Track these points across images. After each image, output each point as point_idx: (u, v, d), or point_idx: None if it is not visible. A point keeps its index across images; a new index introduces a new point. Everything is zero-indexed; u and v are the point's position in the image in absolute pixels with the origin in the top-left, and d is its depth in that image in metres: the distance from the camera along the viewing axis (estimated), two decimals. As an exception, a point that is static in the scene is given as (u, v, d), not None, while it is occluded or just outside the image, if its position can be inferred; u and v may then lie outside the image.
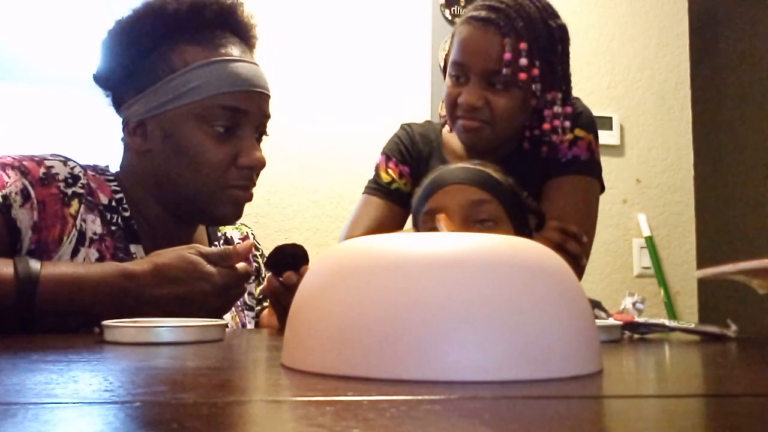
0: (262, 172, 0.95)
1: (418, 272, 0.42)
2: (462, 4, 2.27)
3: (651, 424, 0.31)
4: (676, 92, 2.36)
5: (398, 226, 1.26)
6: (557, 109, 1.13)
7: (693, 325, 0.79)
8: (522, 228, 1.00)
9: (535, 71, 1.07)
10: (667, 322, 0.80)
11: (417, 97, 2.23)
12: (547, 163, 1.17)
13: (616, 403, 0.37)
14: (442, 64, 1.23)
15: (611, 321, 0.79)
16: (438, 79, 2.24)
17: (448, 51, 1.16)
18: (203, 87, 0.87)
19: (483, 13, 1.08)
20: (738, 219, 2.17)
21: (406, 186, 1.25)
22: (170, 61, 0.89)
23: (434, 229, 0.95)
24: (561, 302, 0.43)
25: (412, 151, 1.27)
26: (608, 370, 0.47)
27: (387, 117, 2.22)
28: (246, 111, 0.90)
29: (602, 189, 1.22)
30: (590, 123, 1.19)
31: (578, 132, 1.17)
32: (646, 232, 2.29)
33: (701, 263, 2.24)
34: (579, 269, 1.07)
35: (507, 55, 1.05)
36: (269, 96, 0.94)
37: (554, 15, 1.12)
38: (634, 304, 0.83)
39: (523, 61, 1.06)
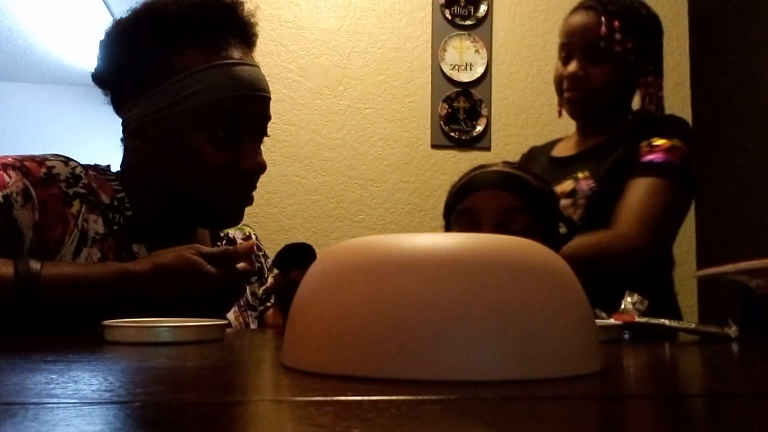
0: (262, 173, 0.94)
1: (418, 272, 0.42)
2: (462, 4, 2.27)
3: (651, 424, 0.31)
4: (676, 92, 2.36)
5: None
6: (650, 78, 1.31)
7: (693, 325, 0.79)
8: (551, 237, 0.96)
9: (629, 44, 1.25)
10: (667, 322, 0.80)
11: (417, 97, 2.23)
12: (632, 162, 1.24)
13: (616, 403, 0.37)
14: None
15: (611, 321, 0.79)
16: (438, 80, 2.25)
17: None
18: (204, 92, 0.86)
19: (585, 2, 1.31)
20: (738, 219, 2.17)
21: None
22: (171, 64, 0.88)
23: (466, 228, 0.94)
24: (561, 302, 0.43)
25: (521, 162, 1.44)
26: (608, 370, 0.47)
27: (387, 117, 2.22)
28: (247, 115, 0.89)
29: (688, 192, 1.25)
30: (673, 131, 1.26)
31: (655, 141, 1.24)
32: (647, 232, 2.28)
33: (701, 263, 2.24)
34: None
35: (603, 30, 1.25)
36: (270, 98, 0.93)
37: (645, 6, 1.32)
38: (634, 304, 0.82)
39: (618, 35, 1.24)
